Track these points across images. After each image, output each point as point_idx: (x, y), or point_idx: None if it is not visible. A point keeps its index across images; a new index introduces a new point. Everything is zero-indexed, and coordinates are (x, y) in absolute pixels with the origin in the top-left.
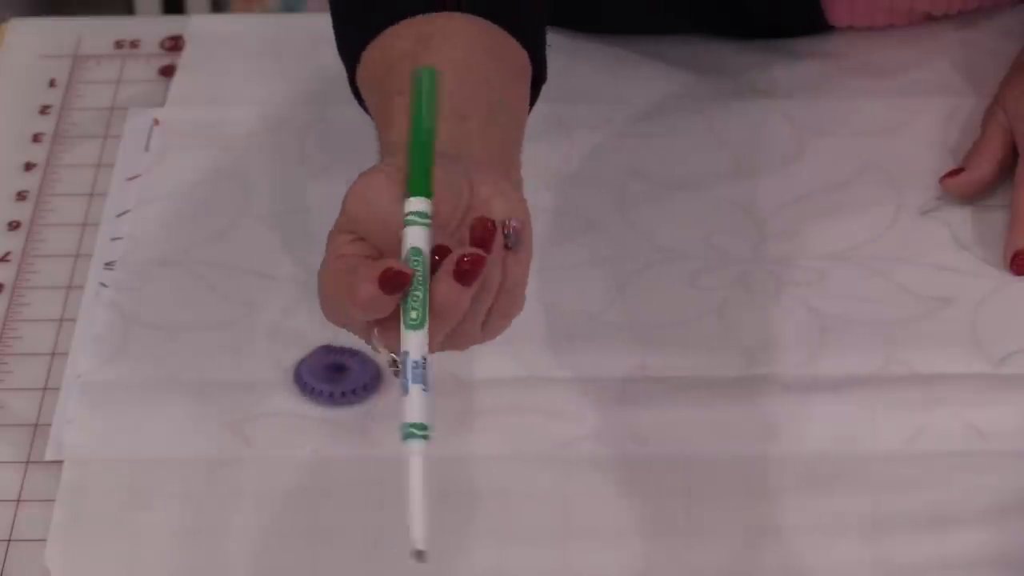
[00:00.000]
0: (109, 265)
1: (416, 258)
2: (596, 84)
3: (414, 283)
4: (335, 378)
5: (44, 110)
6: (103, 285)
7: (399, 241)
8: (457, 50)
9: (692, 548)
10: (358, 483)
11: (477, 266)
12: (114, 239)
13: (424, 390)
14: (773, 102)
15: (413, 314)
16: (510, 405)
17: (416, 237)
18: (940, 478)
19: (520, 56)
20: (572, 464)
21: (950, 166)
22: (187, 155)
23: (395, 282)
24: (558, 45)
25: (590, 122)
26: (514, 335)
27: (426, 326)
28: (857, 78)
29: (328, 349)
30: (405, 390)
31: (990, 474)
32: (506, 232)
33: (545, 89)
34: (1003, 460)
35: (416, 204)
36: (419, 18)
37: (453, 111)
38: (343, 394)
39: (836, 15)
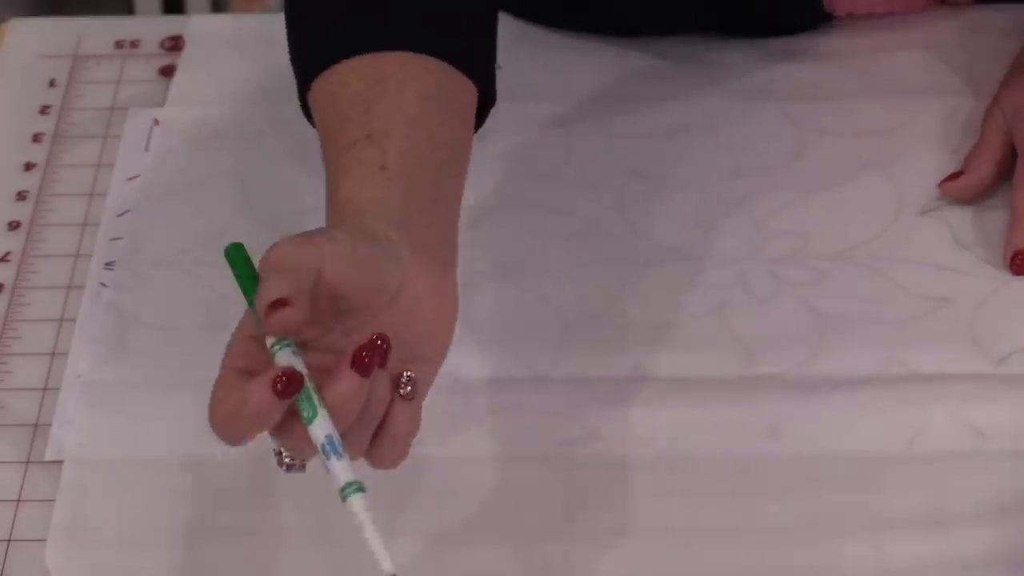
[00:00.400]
0: (109, 265)
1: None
2: (596, 84)
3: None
4: None
5: (44, 110)
6: (103, 285)
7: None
8: (410, 100)
9: (692, 548)
10: None
11: (373, 355)
12: (114, 239)
13: (340, 457)
14: (773, 102)
15: (305, 413)
16: (510, 405)
17: (286, 359)
18: (940, 478)
19: (470, 93)
20: (572, 464)
21: (950, 166)
22: (187, 155)
23: (287, 385)
24: (558, 45)
25: (590, 122)
26: (514, 335)
27: (320, 413)
28: (857, 78)
29: None
30: (327, 468)
31: (990, 474)
32: (403, 379)
33: (545, 89)
34: (1003, 460)
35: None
36: (372, 56)
37: (403, 174)
38: None
39: (837, 1)
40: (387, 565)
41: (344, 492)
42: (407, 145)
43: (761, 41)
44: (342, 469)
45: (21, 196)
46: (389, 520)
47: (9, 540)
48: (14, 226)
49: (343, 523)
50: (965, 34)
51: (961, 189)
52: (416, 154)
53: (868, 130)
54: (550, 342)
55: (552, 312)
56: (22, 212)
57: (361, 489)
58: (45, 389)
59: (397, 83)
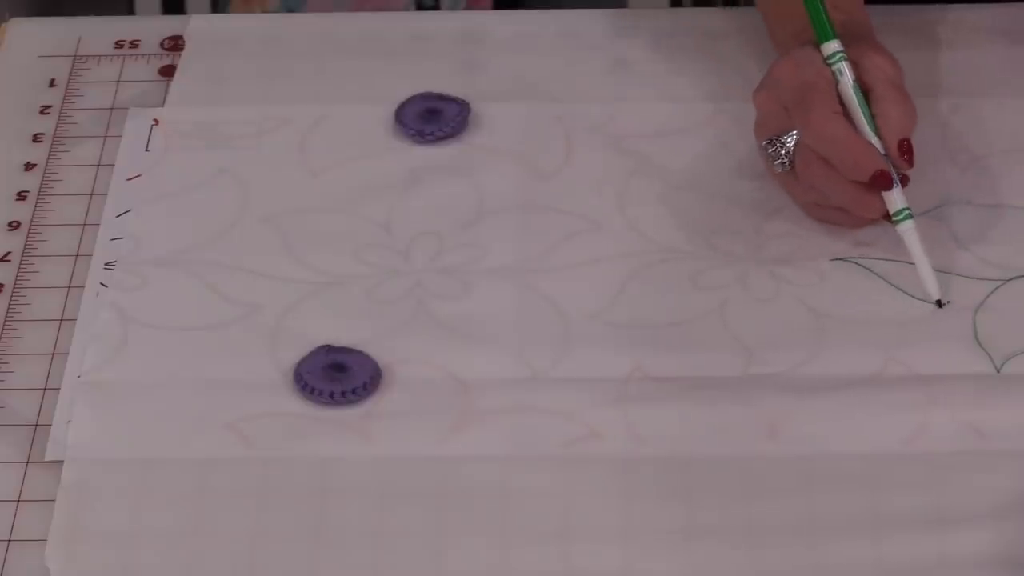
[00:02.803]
0: (109, 265)
1: (858, 91)
2: (596, 84)
3: (863, 108)
4: (335, 378)
5: (44, 110)
6: (103, 285)
7: (832, 87)
8: None
9: (692, 548)
10: (358, 483)
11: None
12: (114, 239)
13: (897, 185)
14: None
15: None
16: (510, 405)
17: (849, 70)
18: (940, 478)
19: None
20: (572, 464)
21: (950, 166)
22: (187, 155)
23: (879, 180)
24: (559, 45)
25: (590, 122)
26: (514, 335)
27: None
28: None
29: (328, 349)
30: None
31: (990, 474)
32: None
33: (545, 88)
34: (1003, 460)
35: (832, 46)
36: None
37: None
38: (343, 394)
39: None
40: (934, 291)
41: (897, 217)
42: None
43: (760, 41)
44: (899, 195)
45: (21, 196)
46: (389, 521)
47: (9, 540)
48: (14, 226)
49: (342, 522)
50: (965, 34)
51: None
52: None
53: None
54: (550, 342)
55: (552, 312)
56: (22, 212)
57: (911, 216)
58: (45, 389)
59: None
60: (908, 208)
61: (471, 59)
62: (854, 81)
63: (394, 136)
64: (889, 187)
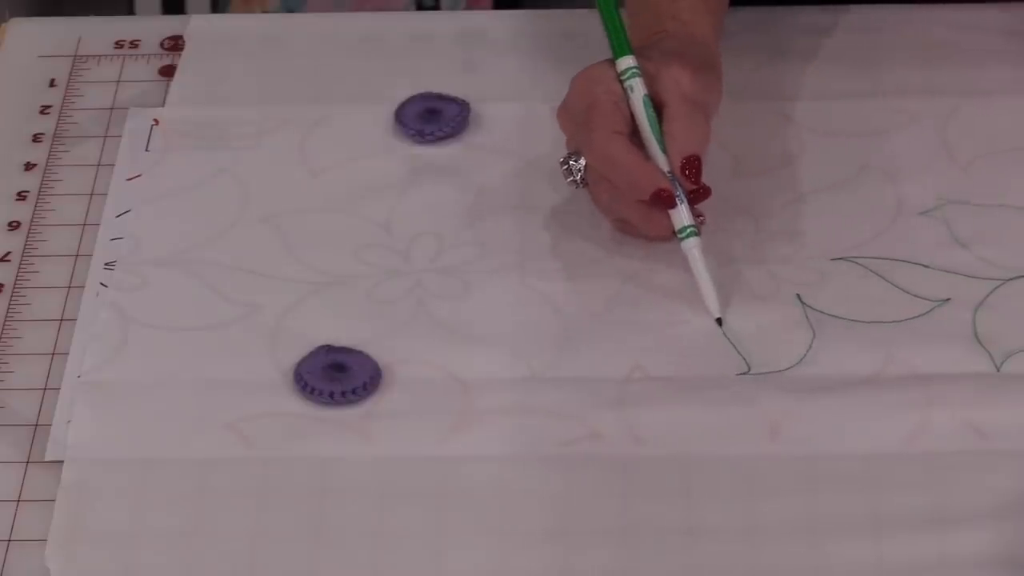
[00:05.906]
0: (109, 265)
1: (648, 108)
2: None
3: (652, 125)
4: (335, 378)
5: (44, 110)
6: (103, 285)
7: (616, 106)
8: None
9: (692, 548)
10: (358, 483)
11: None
12: (114, 239)
13: (682, 202)
14: (773, 102)
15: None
16: (510, 405)
17: (641, 86)
18: (940, 478)
19: None
20: (572, 464)
21: (950, 166)
22: (187, 155)
23: (660, 200)
24: (559, 44)
25: None
26: (514, 335)
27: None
28: (857, 78)
29: (328, 349)
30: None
31: (990, 474)
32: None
33: (545, 89)
34: (1003, 460)
35: (625, 62)
36: None
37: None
38: (343, 394)
39: None
40: (715, 309)
41: (681, 234)
42: None
43: (759, 42)
44: (684, 213)
45: (21, 196)
46: (389, 521)
47: (9, 540)
48: (14, 226)
49: (342, 522)
50: (965, 34)
51: None
52: None
53: (868, 130)
54: (550, 342)
55: (552, 312)
56: (22, 212)
57: (696, 233)
58: (45, 389)
59: None
60: (693, 225)
61: (471, 59)
62: (645, 96)
63: (394, 136)
64: (671, 206)
